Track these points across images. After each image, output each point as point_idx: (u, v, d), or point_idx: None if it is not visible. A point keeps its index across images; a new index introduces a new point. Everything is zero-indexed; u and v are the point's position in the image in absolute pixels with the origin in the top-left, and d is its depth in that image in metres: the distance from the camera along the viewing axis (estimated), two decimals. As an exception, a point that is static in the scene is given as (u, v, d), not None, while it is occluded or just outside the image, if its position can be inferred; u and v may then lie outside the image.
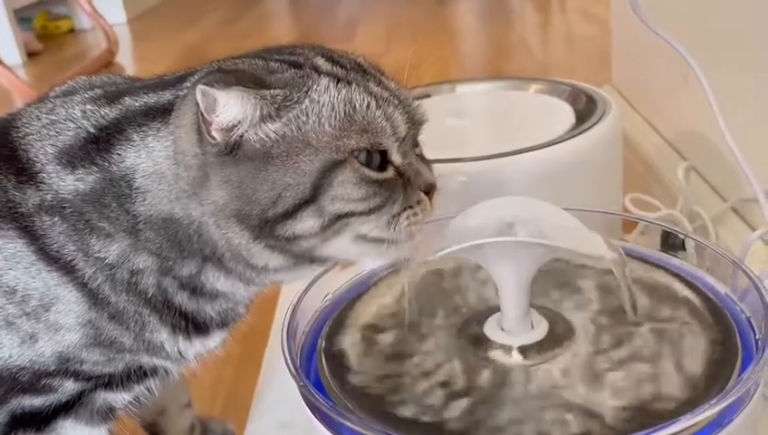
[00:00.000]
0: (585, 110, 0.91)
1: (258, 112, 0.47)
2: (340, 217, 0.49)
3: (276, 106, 0.48)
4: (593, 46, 2.03)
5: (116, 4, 3.25)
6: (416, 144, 0.53)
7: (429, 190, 0.52)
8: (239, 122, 0.48)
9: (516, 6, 2.94)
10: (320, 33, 2.82)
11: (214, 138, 0.48)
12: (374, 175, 0.49)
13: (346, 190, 0.48)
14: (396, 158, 0.51)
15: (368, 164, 0.49)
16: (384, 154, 0.50)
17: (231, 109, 0.47)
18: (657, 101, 1.18)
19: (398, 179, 0.51)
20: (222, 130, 0.48)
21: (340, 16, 3.11)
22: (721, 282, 0.60)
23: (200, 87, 0.46)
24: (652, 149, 1.15)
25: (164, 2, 3.73)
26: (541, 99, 0.99)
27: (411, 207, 0.51)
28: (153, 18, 3.43)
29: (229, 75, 0.48)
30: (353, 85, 0.50)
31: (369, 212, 0.49)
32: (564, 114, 0.91)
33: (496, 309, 0.57)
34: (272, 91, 0.48)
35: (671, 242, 0.70)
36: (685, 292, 0.59)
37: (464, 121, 0.94)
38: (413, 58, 2.12)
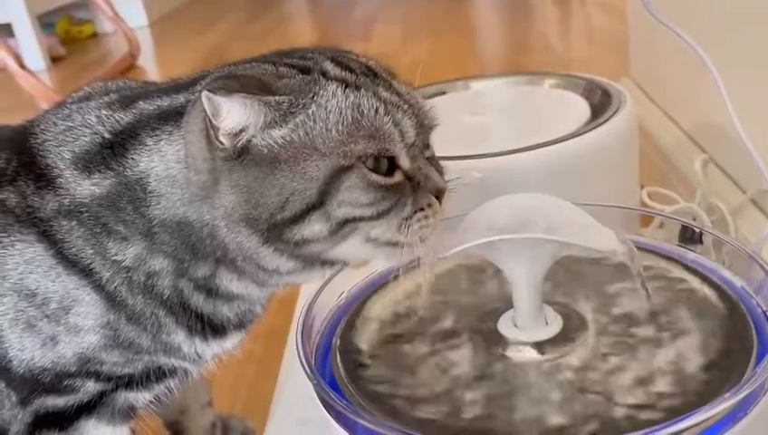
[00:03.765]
0: (600, 103, 0.91)
1: (263, 118, 0.48)
2: (347, 221, 0.49)
3: (281, 112, 0.48)
4: (613, 39, 2.02)
5: (137, 8, 3.28)
6: (426, 147, 0.53)
7: (439, 195, 0.52)
8: (245, 128, 0.48)
9: (535, 0, 2.92)
10: (338, 33, 2.83)
11: (222, 142, 0.49)
12: (382, 180, 0.49)
13: (353, 195, 0.48)
14: (404, 162, 0.50)
15: (376, 169, 0.49)
16: (392, 159, 0.50)
17: (235, 115, 0.48)
18: (675, 94, 1.17)
19: (407, 183, 0.50)
20: (229, 135, 0.48)
21: (358, 15, 3.12)
22: (738, 275, 0.60)
23: (205, 93, 0.47)
24: (671, 142, 1.14)
25: (184, 4, 3.75)
26: (556, 93, 0.99)
27: (422, 209, 0.51)
28: (174, 21, 3.46)
29: (234, 81, 0.48)
30: (362, 90, 0.49)
31: (378, 217, 0.49)
32: (579, 108, 0.91)
33: (511, 305, 0.57)
34: (276, 97, 0.48)
35: (689, 235, 0.70)
36: (700, 286, 0.59)
37: (479, 118, 0.94)
38: (430, 56, 2.13)
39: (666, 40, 0.78)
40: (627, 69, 1.40)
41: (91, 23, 3.26)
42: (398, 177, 0.50)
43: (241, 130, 0.48)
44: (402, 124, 0.50)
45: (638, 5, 0.81)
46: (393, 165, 0.50)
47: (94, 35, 3.25)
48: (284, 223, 0.49)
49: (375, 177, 0.49)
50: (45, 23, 2.97)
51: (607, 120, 0.85)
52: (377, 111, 0.49)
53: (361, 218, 0.49)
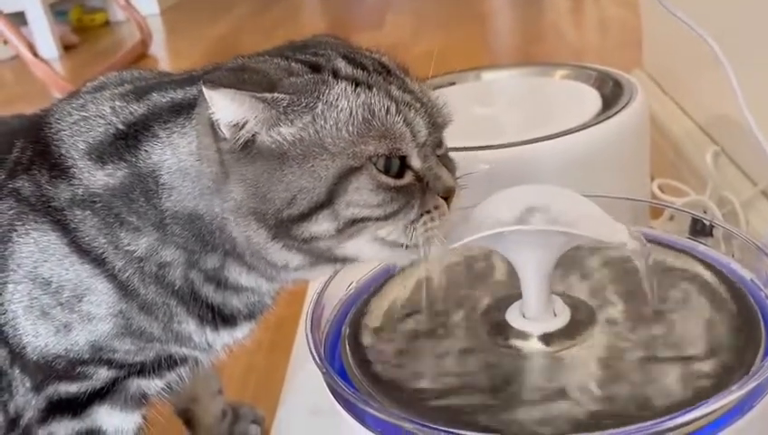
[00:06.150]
0: (612, 95, 0.90)
1: (263, 114, 0.47)
2: (355, 221, 0.49)
3: (281, 110, 0.48)
4: (625, 30, 2.01)
5: (149, -5, 3.29)
6: (438, 145, 0.53)
7: (449, 194, 0.51)
8: (245, 122, 0.48)
9: (547, -10, 2.91)
10: (349, 22, 2.82)
11: (223, 132, 0.49)
12: (392, 182, 0.49)
13: (362, 197, 0.48)
14: (415, 162, 0.50)
15: (386, 170, 0.48)
16: (403, 159, 0.49)
17: (228, 108, 0.47)
18: (688, 85, 1.16)
19: (417, 184, 0.50)
20: (228, 126, 0.48)
21: (369, 5, 3.11)
22: (748, 268, 0.60)
23: (202, 84, 0.47)
24: (682, 134, 1.14)
25: (196, -7, 3.76)
26: (567, 84, 0.99)
27: (429, 211, 0.50)
28: (186, 9, 3.46)
29: (230, 75, 0.48)
30: (373, 89, 0.49)
31: (386, 218, 0.49)
32: (591, 100, 0.91)
33: (519, 296, 0.57)
34: (273, 94, 0.47)
35: (699, 228, 0.70)
36: (709, 278, 0.59)
37: (489, 109, 0.93)
38: (442, 46, 2.12)
39: (678, 32, 0.78)
40: (639, 60, 1.40)
41: (104, 11, 3.27)
42: (408, 178, 0.49)
43: (241, 124, 0.48)
44: (414, 124, 0.49)
45: (650, -3, 0.81)
46: (404, 164, 0.49)
47: (106, 24, 3.26)
48: (292, 219, 0.49)
49: (384, 178, 0.48)
50: (58, 11, 2.99)
51: (618, 111, 0.85)
52: (388, 110, 0.48)
53: (369, 219, 0.49)
